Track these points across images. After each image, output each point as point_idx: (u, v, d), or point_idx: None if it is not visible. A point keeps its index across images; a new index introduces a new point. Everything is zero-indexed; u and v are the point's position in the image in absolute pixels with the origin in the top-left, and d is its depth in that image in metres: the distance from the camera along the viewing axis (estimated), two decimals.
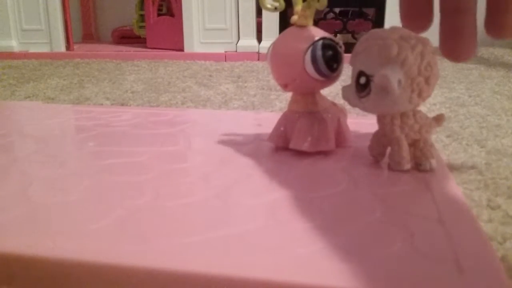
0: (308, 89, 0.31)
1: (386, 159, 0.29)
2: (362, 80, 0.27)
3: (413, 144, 0.29)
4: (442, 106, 0.62)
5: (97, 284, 0.19)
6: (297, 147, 0.31)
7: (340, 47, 0.30)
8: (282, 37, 0.31)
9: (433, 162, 0.28)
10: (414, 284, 0.17)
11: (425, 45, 0.26)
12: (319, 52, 0.29)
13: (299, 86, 0.31)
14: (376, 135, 0.29)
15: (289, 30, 0.31)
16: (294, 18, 0.31)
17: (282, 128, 0.32)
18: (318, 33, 0.30)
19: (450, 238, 0.20)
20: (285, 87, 0.31)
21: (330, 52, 0.29)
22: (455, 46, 0.26)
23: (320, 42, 0.29)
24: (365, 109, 0.27)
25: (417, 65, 0.26)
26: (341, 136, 0.32)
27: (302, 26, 0.31)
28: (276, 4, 0.31)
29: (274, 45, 0.31)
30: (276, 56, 0.31)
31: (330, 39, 0.30)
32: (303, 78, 0.30)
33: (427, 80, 0.26)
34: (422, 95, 0.27)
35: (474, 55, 0.26)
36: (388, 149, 0.29)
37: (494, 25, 0.25)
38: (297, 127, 0.31)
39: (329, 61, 0.29)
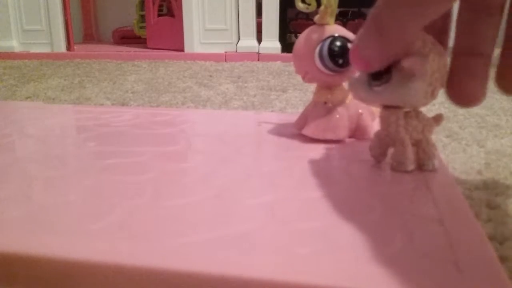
0: (322, 81, 0.34)
1: (386, 159, 0.29)
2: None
3: (416, 144, 0.28)
4: (442, 106, 0.62)
5: (97, 284, 0.19)
6: (306, 133, 0.34)
7: None
8: (302, 34, 0.35)
9: (436, 162, 0.28)
10: (413, 284, 0.17)
11: (440, 46, 0.26)
12: (325, 48, 0.32)
13: (313, 78, 0.34)
14: (378, 135, 0.29)
15: (310, 28, 0.34)
16: (316, 17, 0.34)
17: (303, 116, 0.36)
18: (331, 31, 0.33)
19: (450, 238, 0.20)
20: (303, 78, 0.35)
21: (336, 48, 0.32)
22: (464, 88, 0.25)
23: (330, 39, 0.32)
24: (379, 99, 0.27)
25: (437, 61, 0.25)
26: (360, 129, 0.35)
27: (323, 24, 0.33)
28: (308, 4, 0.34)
29: (296, 41, 0.35)
30: (294, 51, 0.35)
31: (342, 37, 0.32)
32: (314, 72, 0.33)
33: (442, 78, 0.26)
34: (434, 93, 0.26)
35: (482, 100, 0.25)
36: (389, 150, 0.29)
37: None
38: (310, 115, 0.35)
39: (334, 56, 0.32)
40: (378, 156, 0.29)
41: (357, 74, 0.28)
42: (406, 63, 0.25)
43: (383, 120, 0.28)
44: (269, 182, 0.27)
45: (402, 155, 0.28)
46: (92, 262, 0.19)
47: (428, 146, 0.28)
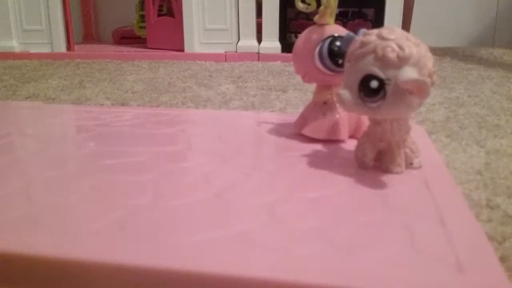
0: (322, 81, 0.35)
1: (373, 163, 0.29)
2: (374, 84, 0.25)
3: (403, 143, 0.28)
4: (442, 106, 0.62)
5: (97, 284, 0.19)
6: (306, 133, 0.34)
7: None
8: (302, 34, 0.35)
9: (420, 159, 0.28)
10: (414, 284, 0.17)
11: (424, 46, 0.26)
12: (325, 48, 0.32)
13: (313, 78, 0.35)
14: (371, 141, 0.28)
15: (310, 28, 0.34)
16: (316, 17, 0.34)
17: (303, 116, 0.36)
18: (331, 31, 0.33)
19: (450, 238, 0.20)
20: (303, 78, 0.35)
21: (336, 48, 0.32)
22: None
23: (329, 39, 0.33)
24: (377, 114, 0.26)
25: (428, 68, 0.25)
26: (360, 129, 0.34)
27: (322, 25, 0.34)
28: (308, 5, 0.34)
29: (296, 41, 0.35)
30: (294, 51, 0.35)
31: (342, 37, 0.32)
32: (313, 71, 0.34)
33: (432, 84, 0.26)
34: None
35: None
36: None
37: None
38: (310, 115, 0.35)
39: (334, 56, 0.32)
40: (368, 162, 0.29)
41: (343, 85, 0.27)
42: (406, 84, 0.24)
43: (380, 125, 0.28)
44: (269, 182, 0.27)
45: (400, 157, 0.28)
46: (92, 262, 0.19)
47: (414, 144, 0.28)
